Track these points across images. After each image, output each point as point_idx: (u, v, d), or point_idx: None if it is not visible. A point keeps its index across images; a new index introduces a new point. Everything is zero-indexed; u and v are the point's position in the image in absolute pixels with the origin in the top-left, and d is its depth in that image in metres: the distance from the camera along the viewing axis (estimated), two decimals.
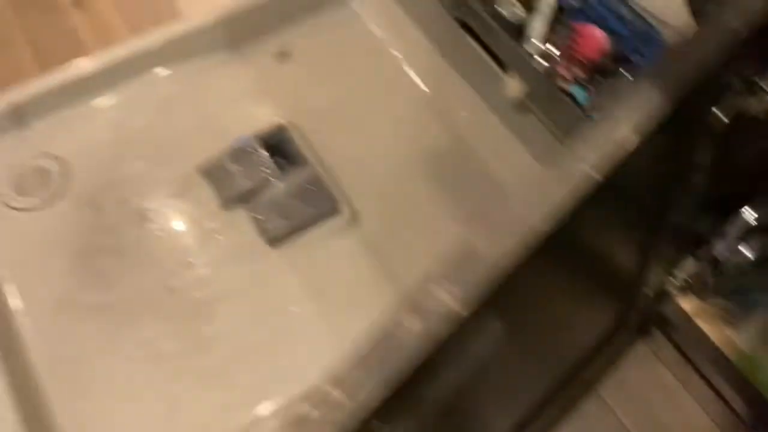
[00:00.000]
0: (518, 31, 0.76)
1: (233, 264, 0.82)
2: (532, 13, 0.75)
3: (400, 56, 0.98)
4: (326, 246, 0.83)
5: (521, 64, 0.76)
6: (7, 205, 0.87)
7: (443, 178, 0.88)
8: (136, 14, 1.33)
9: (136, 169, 0.89)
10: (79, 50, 1.22)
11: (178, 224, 0.86)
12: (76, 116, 0.93)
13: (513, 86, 0.80)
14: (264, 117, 0.92)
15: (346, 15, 1.02)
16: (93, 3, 1.36)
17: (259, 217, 0.84)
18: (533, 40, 0.74)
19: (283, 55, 0.99)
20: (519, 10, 0.76)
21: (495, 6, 0.77)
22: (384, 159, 0.90)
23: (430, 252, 0.75)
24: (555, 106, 0.74)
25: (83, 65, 0.92)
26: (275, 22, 0.99)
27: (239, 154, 0.88)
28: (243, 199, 0.85)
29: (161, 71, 0.96)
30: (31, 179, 0.88)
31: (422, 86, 0.96)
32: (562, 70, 0.72)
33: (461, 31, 0.87)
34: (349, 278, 0.81)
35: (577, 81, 0.71)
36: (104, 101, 0.94)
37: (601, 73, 0.70)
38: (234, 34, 0.97)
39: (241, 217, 0.85)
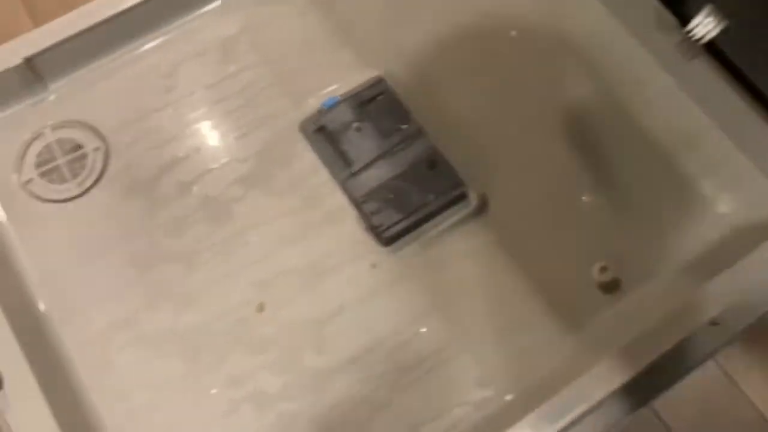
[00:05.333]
0: None
1: (337, 271, 0.64)
2: None
3: None
4: (453, 245, 0.65)
5: None
6: (37, 197, 0.67)
7: (589, 145, 0.69)
8: None
9: (198, 141, 0.69)
10: None
11: (260, 218, 0.66)
12: (111, 72, 0.72)
13: None
14: (347, 64, 0.72)
15: None
16: None
17: (367, 209, 0.65)
18: None
19: None
20: None
21: None
22: (516, 121, 0.70)
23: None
24: None
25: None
26: None
27: (329, 125, 0.68)
28: (342, 185, 0.66)
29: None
30: (62, 159, 0.68)
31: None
32: None
33: None
34: (487, 287, 0.64)
35: None
36: (147, 49, 0.73)
37: None
38: None
39: (343, 210, 0.66)
